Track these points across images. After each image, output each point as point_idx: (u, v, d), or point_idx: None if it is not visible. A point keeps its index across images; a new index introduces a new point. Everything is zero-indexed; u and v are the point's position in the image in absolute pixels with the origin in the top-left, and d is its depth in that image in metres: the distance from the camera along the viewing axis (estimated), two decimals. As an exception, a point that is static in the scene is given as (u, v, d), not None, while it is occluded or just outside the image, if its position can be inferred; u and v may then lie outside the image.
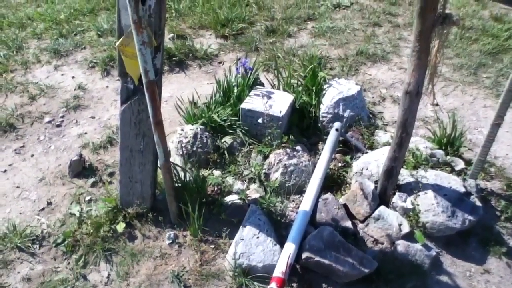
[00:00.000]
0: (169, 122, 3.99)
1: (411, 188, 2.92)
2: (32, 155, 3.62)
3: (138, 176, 2.82)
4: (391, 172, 2.84)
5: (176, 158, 3.26)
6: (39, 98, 4.28)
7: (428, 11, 2.27)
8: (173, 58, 4.84)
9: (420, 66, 2.47)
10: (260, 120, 3.24)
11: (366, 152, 3.41)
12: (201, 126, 3.34)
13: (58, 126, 3.94)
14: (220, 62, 4.97)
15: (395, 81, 4.66)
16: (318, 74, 3.69)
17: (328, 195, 2.93)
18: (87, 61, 4.83)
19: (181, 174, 2.99)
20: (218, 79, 3.81)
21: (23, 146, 3.71)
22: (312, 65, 3.73)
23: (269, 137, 3.26)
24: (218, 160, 3.27)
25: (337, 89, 3.62)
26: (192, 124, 3.38)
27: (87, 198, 3.17)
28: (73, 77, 4.61)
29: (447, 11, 2.34)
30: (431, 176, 2.99)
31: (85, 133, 3.86)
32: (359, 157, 3.37)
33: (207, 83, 4.62)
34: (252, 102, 3.45)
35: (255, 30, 5.54)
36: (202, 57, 4.97)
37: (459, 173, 3.23)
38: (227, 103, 3.60)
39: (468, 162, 3.40)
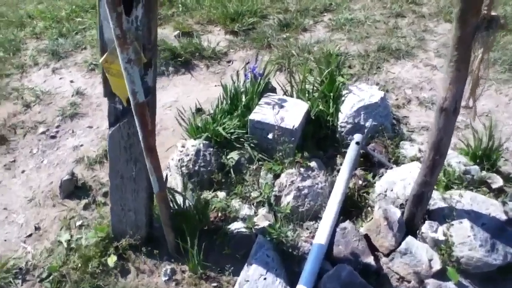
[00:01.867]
0: (172, 132, 3.66)
1: (444, 215, 2.52)
2: (23, 171, 3.32)
3: (131, 204, 2.49)
4: (420, 198, 2.45)
5: (176, 178, 2.92)
6: (34, 105, 3.97)
7: (470, 14, 1.86)
8: (179, 59, 4.48)
9: (459, 78, 2.07)
10: (270, 136, 2.87)
11: (391, 168, 3.02)
12: (204, 142, 2.99)
13: (53, 137, 3.63)
14: (229, 62, 4.60)
15: (421, 80, 4.23)
16: (336, 78, 3.29)
17: (347, 224, 2.55)
18: (87, 63, 4.50)
19: (180, 199, 2.65)
20: (225, 84, 3.44)
21: (14, 161, 3.42)
22: (329, 69, 3.33)
23: (280, 154, 2.89)
24: (223, 180, 2.92)
25: (358, 96, 3.22)
26: (195, 139, 3.03)
27: (78, 223, 2.85)
28: (71, 81, 4.29)
29: (492, 13, 1.92)
30: (466, 200, 2.59)
31: (81, 145, 3.55)
32: (382, 174, 2.98)
33: (215, 85, 4.26)
34: (262, 112, 3.08)
35: (267, 25, 5.13)
36: (210, 56, 4.60)
37: (497, 193, 2.81)
38: (235, 113, 3.23)
39: (507, 178, 2.99)
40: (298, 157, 2.88)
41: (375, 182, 2.87)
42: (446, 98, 2.13)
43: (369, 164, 3.09)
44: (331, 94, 3.26)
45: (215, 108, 3.35)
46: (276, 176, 2.89)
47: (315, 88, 3.41)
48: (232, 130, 3.08)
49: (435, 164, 2.32)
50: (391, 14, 5.39)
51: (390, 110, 3.44)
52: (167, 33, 4.93)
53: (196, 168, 2.88)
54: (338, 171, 3.11)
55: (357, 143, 3.01)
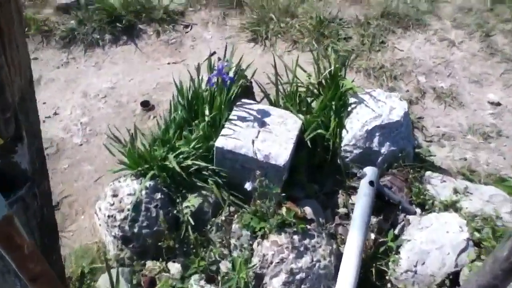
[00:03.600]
0: (106, 139, 2.61)
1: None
2: None
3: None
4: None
5: (107, 240, 1.96)
6: None
7: None
8: (118, 24, 3.32)
9: None
10: (247, 186, 1.89)
11: (414, 213, 2.15)
12: (149, 183, 1.99)
13: None
14: (187, 26, 3.47)
15: (437, 61, 3.28)
16: (340, 82, 2.30)
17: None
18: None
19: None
20: (180, 83, 2.39)
21: None
22: (330, 68, 2.31)
23: (262, 201, 1.95)
24: (177, 246, 1.97)
25: (373, 111, 2.25)
26: (134, 178, 2.03)
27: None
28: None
29: None
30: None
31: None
32: (403, 225, 2.11)
33: (168, 63, 3.18)
34: (235, 135, 2.10)
35: None
36: (162, 19, 3.45)
37: None
38: (195, 123, 2.23)
39: None
40: (285, 203, 1.95)
41: (398, 248, 2.00)
42: None
43: (382, 206, 2.20)
44: (333, 103, 2.28)
45: (169, 119, 2.32)
46: (256, 236, 1.97)
47: (310, 88, 2.40)
48: (189, 162, 2.09)
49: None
50: None
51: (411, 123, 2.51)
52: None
53: (136, 229, 1.91)
54: (342, 217, 2.22)
55: (371, 183, 2.09)
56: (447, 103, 2.99)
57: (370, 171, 2.15)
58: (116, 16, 3.32)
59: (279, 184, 2.05)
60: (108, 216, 1.92)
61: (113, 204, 1.92)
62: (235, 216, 2.08)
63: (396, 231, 2.11)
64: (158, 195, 1.99)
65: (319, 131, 2.16)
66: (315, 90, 2.37)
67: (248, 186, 1.86)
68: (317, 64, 2.33)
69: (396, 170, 2.28)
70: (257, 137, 2.10)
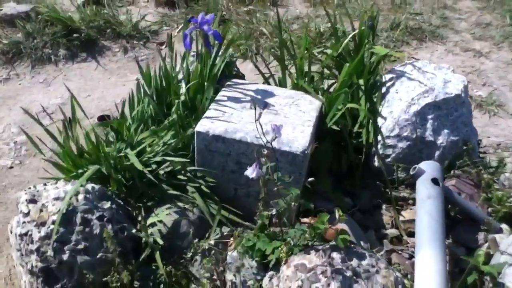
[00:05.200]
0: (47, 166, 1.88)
1: None
2: None
3: None
4: None
5: (22, 283, 1.16)
6: None
7: None
8: (75, 34, 2.71)
9: None
10: (249, 172, 1.16)
11: (499, 229, 1.43)
12: (92, 185, 1.25)
13: None
14: (161, 44, 2.88)
15: (466, 70, 2.71)
16: (369, 50, 1.67)
17: None
18: None
19: None
20: (147, 67, 1.74)
21: None
22: (356, 30, 1.70)
23: (276, 212, 1.20)
24: (136, 285, 1.18)
25: (420, 83, 1.59)
26: (67, 182, 1.28)
27: None
28: None
29: None
30: None
31: None
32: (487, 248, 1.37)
33: (137, 79, 2.52)
34: (225, 117, 1.40)
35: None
36: (130, 35, 2.86)
37: None
38: (166, 120, 1.53)
39: None
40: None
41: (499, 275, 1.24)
42: None
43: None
44: (361, 81, 1.62)
45: (128, 106, 1.63)
46: (265, 261, 1.20)
47: (328, 65, 1.76)
48: (158, 159, 1.37)
49: None
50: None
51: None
52: (63, 2, 3.15)
53: (66, 256, 1.13)
54: (393, 242, 1.47)
55: (435, 180, 1.38)
56: (492, 111, 2.38)
57: (429, 166, 1.44)
58: (74, 29, 2.72)
59: (298, 185, 1.32)
60: (21, 236, 1.15)
61: (28, 213, 1.15)
62: (231, 238, 1.32)
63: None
64: (107, 204, 1.23)
65: (348, 105, 1.47)
66: (334, 70, 1.72)
67: (250, 172, 1.14)
68: (334, 29, 1.71)
69: (460, 171, 1.58)
70: (258, 120, 1.40)
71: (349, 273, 1.07)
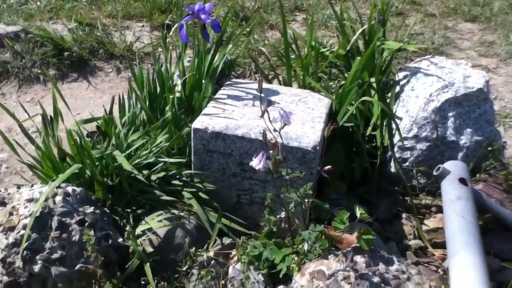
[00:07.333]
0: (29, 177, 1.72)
1: None
2: None
3: None
4: None
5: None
6: None
7: None
8: (66, 58, 2.59)
9: None
10: (255, 163, 0.99)
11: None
12: (72, 188, 1.08)
13: None
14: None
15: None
16: (381, 45, 1.55)
17: None
18: None
19: None
20: (140, 70, 1.61)
21: None
22: (365, 25, 1.59)
23: (286, 215, 1.03)
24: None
25: (438, 78, 1.46)
26: (45, 183, 1.12)
27: None
28: None
29: None
30: None
31: None
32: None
33: (128, 80, 2.40)
34: (225, 114, 1.25)
35: (217, 16, 3.37)
36: (124, 55, 2.75)
37: None
38: (160, 121, 1.38)
39: None
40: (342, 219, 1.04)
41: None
42: None
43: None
44: (373, 79, 1.49)
45: (120, 122, 1.48)
46: (274, 271, 1.02)
47: (335, 64, 1.63)
48: (150, 160, 1.21)
49: None
50: (390, 12, 3.83)
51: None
52: (56, 27, 3.06)
53: (38, 267, 0.95)
54: (418, 253, 1.30)
55: (462, 180, 1.22)
56: (506, 124, 2.25)
57: (455, 166, 1.28)
58: (65, 49, 2.61)
59: (312, 182, 1.16)
60: (-17, 245, 0.97)
61: (-5, 219, 0.98)
62: (233, 250, 1.14)
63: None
64: (90, 209, 1.06)
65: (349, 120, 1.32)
66: (343, 68, 1.59)
67: (256, 163, 0.97)
68: (341, 25, 1.59)
69: (487, 175, 1.42)
70: (262, 117, 1.25)
71: (376, 279, 0.89)
